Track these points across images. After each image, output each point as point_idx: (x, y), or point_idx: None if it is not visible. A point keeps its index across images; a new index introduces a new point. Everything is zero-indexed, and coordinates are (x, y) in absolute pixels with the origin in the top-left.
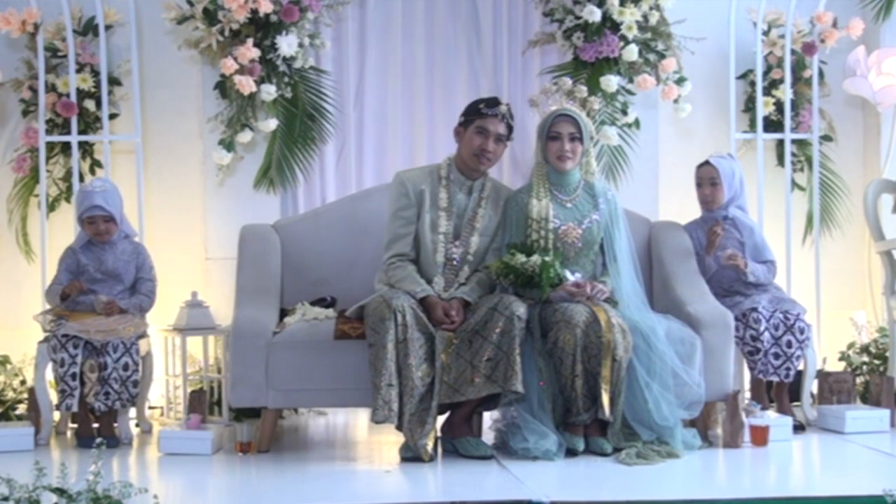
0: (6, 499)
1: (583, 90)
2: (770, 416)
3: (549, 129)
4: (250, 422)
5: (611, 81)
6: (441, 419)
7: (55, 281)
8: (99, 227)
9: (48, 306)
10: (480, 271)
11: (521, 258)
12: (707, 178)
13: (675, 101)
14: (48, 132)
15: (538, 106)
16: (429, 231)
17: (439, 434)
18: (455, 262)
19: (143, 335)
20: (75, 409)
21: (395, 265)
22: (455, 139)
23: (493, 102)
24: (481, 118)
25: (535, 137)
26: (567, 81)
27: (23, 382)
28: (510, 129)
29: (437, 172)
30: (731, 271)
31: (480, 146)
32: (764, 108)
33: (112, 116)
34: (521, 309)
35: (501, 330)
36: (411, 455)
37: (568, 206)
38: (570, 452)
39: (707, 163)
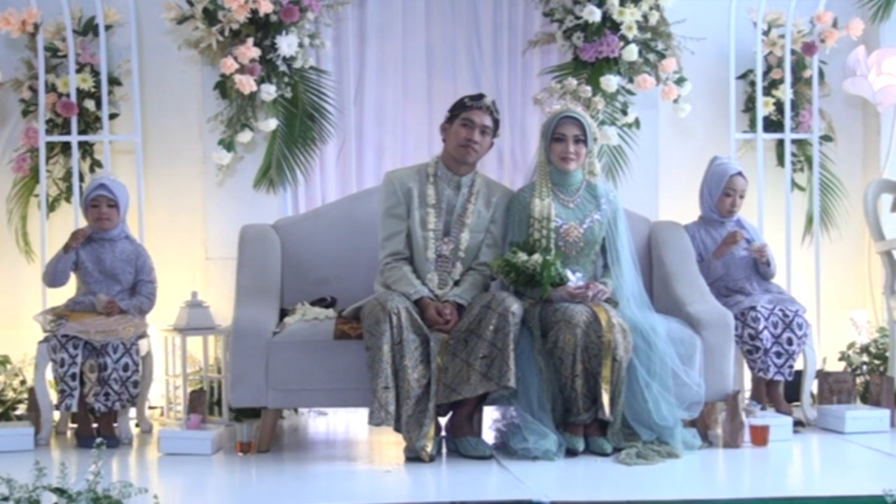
0: (6, 499)
1: (587, 90)
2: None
3: (554, 130)
4: (250, 422)
5: (611, 81)
6: (443, 420)
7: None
8: (101, 210)
9: (48, 306)
10: (475, 269)
11: (522, 257)
12: (740, 190)
13: (675, 101)
14: (48, 132)
15: (542, 104)
16: (419, 228)
17: (443, 434)
18: (446, 259)
19: (142, 335)
20: (75, 409)
21: (391, 266)
22: (441, 136)
23: (478, 97)
24: (466, 111)
25: (539, 137)
26: (572, 82)
27: (23, 382)
28: (496, 123)
29: (425, 170)
30: (741, 270)
31: (466, 136)
32: (764, 108)
33: (112, 116)
34: (514, 305)
35: (495, 327)
36: (415, 455)
37: (570, 207)
38: (570, 452)
39: (741, 174)
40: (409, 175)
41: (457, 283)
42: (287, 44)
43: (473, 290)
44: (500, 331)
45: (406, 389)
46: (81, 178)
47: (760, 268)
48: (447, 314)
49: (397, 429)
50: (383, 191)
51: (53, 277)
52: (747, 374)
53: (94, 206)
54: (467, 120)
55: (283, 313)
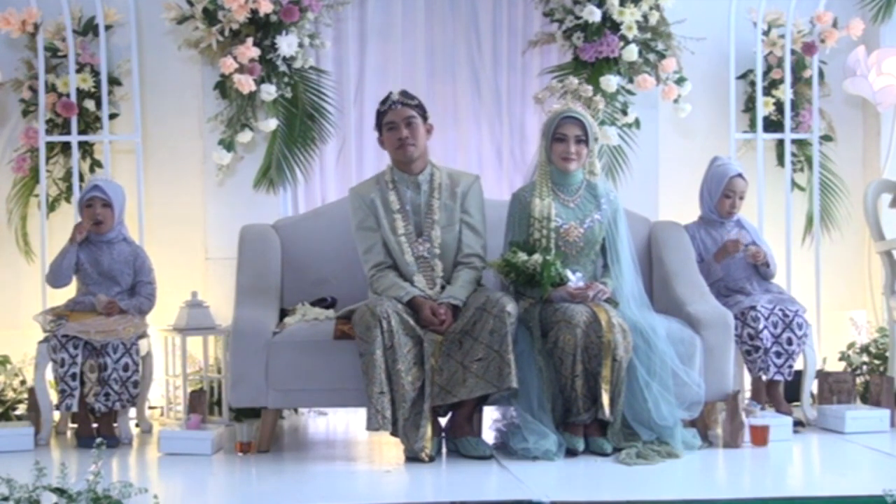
0: (6, 499)
1: (588, 89)
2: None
3: (555, 130)
4: (250, 422)
5: (611, 81)
6: (443, 420)
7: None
8: (96, 210)
9: (48, 306)
10: (464, 264)
11: (522, 256)
12: (740, 192)
13: (675, 100)
14: (48, 132)
15: (542, 103)
16: (391, 235)
17: (443, 434)
18: (425, 259)
19: (142, 335)
20: (75, 409)
21: (377, 276)
22: (383, 149)
23: (385, 99)
24: (384, 116)
25: (540, 136)
26: (573, 81)
27: (23, 382)
28: (420, 108)
29: (383, 178)
30: (741, 270)
31: (396, 137)
32: (764, 108)
33: (112, 116)
34: (509, 305)
35: (491, 329)
36: (415, 456)
37: (570, 206)
38: (570, 452)
39: (741, 176)
40: (368, 187)
41: (447, 281)
42: (287, 44)
43: (467, 287)
44: (497, 332)
45: (401, 394)
46: (81, 179)
47: (760, 268)
48: (442, 314)
49: (394, 433)
50: (350, 207)
51: (58, 275)
52: (747, 374)
53: (88, 207)
54: (389, 123)
55: (283, 313)
